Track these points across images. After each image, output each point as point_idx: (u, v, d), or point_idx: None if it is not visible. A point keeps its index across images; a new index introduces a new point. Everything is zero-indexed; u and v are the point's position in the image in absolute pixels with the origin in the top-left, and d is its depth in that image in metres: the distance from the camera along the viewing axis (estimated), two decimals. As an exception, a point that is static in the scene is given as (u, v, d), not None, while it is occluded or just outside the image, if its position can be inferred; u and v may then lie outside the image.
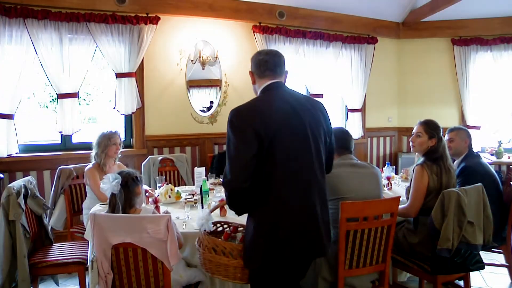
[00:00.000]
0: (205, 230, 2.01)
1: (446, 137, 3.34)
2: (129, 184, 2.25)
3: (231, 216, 2.61)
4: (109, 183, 2.18)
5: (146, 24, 4.34)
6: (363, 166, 2.46)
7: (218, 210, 2.65)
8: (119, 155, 3.43)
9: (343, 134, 2.51)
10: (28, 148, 4.19)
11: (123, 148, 3.50)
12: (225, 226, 2.28)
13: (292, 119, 1.80)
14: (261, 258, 1.78)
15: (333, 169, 2.19)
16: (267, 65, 1.89)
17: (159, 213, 2.64)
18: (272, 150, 1.72)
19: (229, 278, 1.94)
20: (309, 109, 1.87)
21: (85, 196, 3.45)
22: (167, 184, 3.19)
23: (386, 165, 3.85)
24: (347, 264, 2.24)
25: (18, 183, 2.73)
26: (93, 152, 3.34)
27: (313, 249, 1.84)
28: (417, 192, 2.61)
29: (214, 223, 2.18)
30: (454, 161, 3.29)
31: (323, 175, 1.89)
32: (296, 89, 2.04)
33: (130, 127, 4.62)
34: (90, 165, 3.31)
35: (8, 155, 3.90)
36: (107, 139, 3.30)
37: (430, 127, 2.78)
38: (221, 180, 3.42)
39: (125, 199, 2.22)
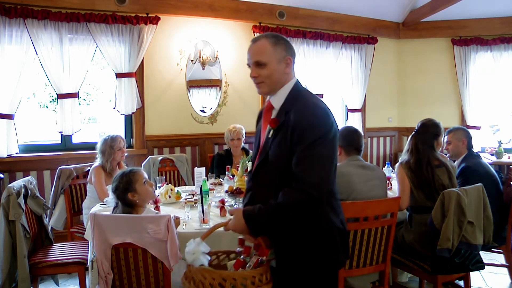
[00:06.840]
0: (201, 265, 1.56)
1: (445, 140, 3.36)
2: (121, 198, 2.25)
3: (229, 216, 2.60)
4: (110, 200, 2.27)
5: (146, 24, 4.34)
6: (372, 168, 2.48)
7: (218, 210, 2.64)
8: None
9: (351, 133, 2.53)
10: (28, 148, 4.19)
11: (123, 149, 3.49)
12: (224, 255, 1.85)
13: None
14: (342, 254, 1.74)
15: (343, 169, 2.31)
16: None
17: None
18: None
19: None
20: None
21: (85, 196, 3.45)
22: (167, 184, 3.18)
23: (386, 165, 3.86)
24: (347, 264, 2.24)
25: (18, 183, 2.73)
26: (98, 160, 3.31)
27: None
28: (402, 187, 2.70)
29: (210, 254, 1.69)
30: (454, 162, 3.29)
31: None
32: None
33: (130, 127, 4.61)
34: (97, 163, 3.30)
35: (8, 155, 3.90)
36: (109, 147, 3.27)
37: None
38: (221, 180, 3.47)
39: (123, 212, 2.25)
